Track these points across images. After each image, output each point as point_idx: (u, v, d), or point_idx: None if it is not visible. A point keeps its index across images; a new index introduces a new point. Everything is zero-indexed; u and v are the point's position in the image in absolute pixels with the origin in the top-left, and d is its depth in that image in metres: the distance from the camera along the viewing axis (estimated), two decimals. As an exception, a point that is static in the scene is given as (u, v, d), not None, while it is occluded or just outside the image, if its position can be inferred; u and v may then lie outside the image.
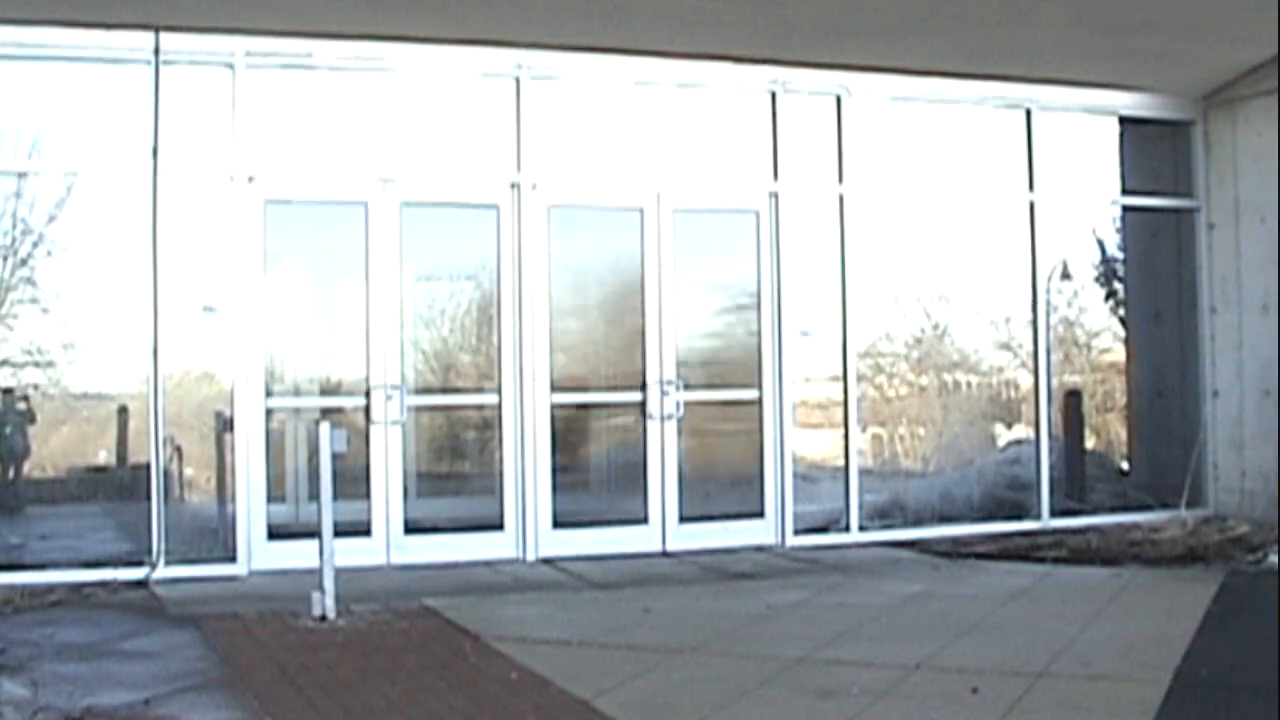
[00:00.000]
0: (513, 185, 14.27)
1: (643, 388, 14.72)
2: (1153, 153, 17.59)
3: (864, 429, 15.88)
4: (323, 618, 10.87)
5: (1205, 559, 13.93)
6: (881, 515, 15.61)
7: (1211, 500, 16.80)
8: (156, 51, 13.17)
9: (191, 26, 13.14)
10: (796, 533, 15.01)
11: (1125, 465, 18.14)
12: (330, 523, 11.13)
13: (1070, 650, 9.69)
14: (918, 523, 15.60)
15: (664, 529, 14.78)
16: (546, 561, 13.97)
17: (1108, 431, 18.35)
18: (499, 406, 14.29)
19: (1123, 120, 17.27)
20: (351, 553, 12.84)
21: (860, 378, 15.72)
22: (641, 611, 11.40)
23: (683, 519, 14.68)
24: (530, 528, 14.14)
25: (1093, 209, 17.42)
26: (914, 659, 9.40)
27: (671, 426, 14.67)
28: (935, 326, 16.61)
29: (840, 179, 15.46)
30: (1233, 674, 9.09)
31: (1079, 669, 9.12)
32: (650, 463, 14.71)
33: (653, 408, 14.67)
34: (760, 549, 14.64)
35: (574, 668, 9.32)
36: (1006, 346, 16.94)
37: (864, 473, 15.53)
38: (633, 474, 14.78)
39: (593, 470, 15.27)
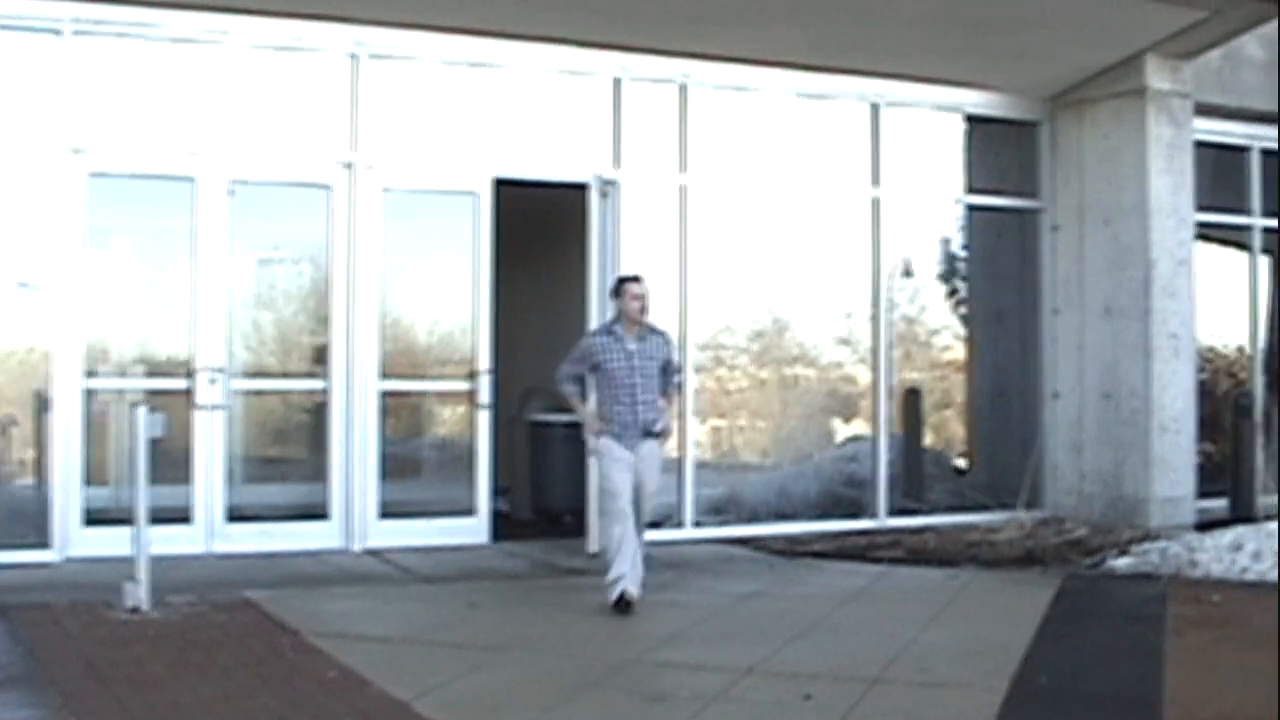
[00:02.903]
0: (347, 165, 13.87)
1: (471, 377, 14.39)
2: (999, 152, 17.52)
3: (702, 421, 15.67)
4: (136, 610, 10.41)
5: (1043, 562, 13.82)
6: (717, 511, 15.38)
7: (1050, 502, 16.73)
8: (-22, 16, 12.65)
9: (17, -9, 12.63)
10: (631, 527, 14.69)
11: (964, 465, 18.07)
12: (145, 511, 10.67)
13: (907, 654, 9.48)
14: (753, 519, 15.39)
15: (494, 521, 14.51)
16: (373, 553, 13.57)
17: (947, 431, 18.31)
18: (327, 392, 13.88)
19: (970, 119, 17.14)
20: (171, 540, 12.50)
21: (700, 369, 15.51)
22: (468, 607, 11.06)
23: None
24: (357, 517, 13.75)
25: (937, 207, 17.31)
26: (747, 662, 9.14)
27: (484, 416, 14.36)
28: (776, 320, 16.41)
29: (683, 168, 15.19)
30: (1071, 681, 8.90)
31: (915, 674, 8.92)
32: (479, 453, 14.38)
33: (484, 397, 14.37)
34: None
35: (396, 666, 8.98)
36: (847, 342, 16.81)
37: (701, 466, 15.28)
38: (463, 464, 14.42)
39: (423, 460, 14.96)
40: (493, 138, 14.59)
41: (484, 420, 14.37)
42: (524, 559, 13.66)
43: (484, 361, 14.38)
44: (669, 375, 11.71)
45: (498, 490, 15.06)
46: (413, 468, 14.81)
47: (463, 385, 14.46)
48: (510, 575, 12.81)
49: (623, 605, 10.86)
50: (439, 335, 14.93)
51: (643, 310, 11.46)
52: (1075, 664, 9.45)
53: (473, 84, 14.53)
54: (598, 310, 14.27)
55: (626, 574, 10.95)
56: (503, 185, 14.44)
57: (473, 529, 14.30)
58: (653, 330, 11.63)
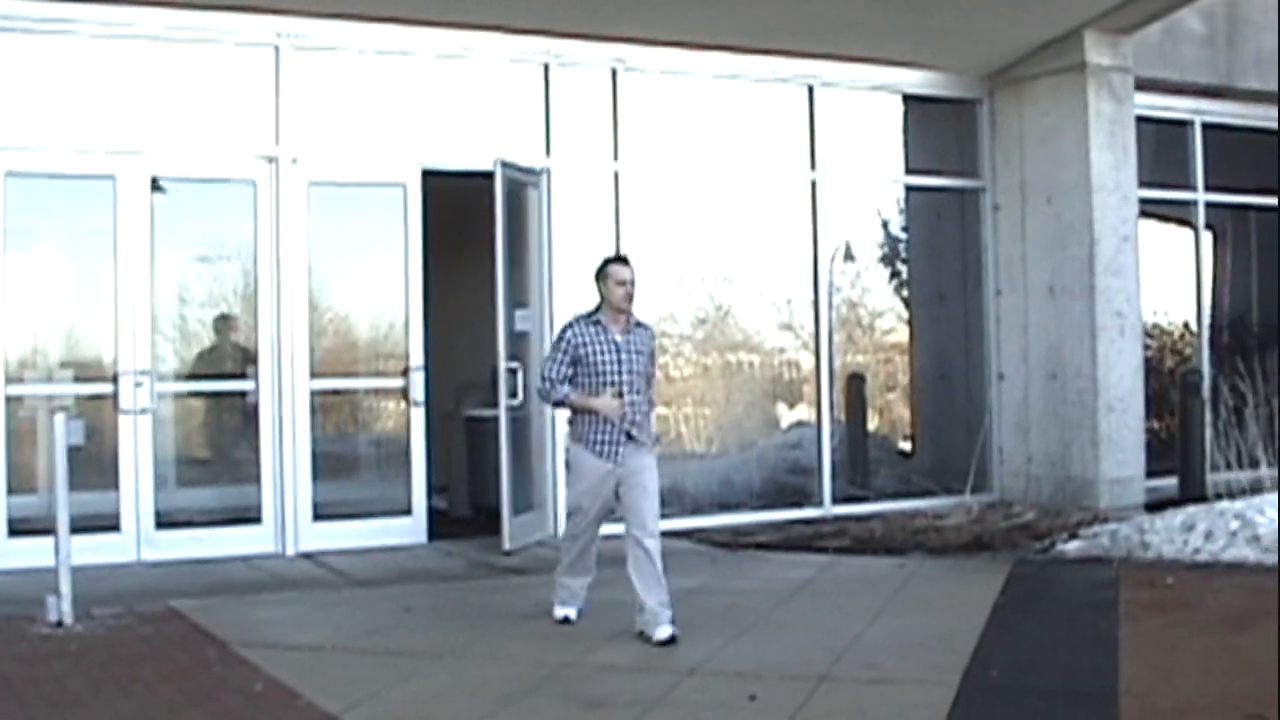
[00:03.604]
0: (270, 159, 13.52)
1: (403, 374, 14.08)
2: (938, 132, 17.35)
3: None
4: (59, 623, 10.04)
5: (991, 547, 13.61)
6: (660, 503, 15.08)
7: (997, 485, 16.57)
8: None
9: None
10: (568, 522, 14.45)
11: (909, 449, 17.88)
12: (66, 521, 10.27)
13: (854, 649, 9.23)
14: (696, 511, 15.15)
15: (431, 520, 14.21)
16: (307, 556, 13.26)
17: (891, 415, 18.14)
18: (257, 393, 13.54)
19: (908, 99, 16.94)
20: (99, 550, 12.23)
21: None
22: (403, 611, 10.72)
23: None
24: (290, 520, 13.41)
25: (876, 189, 17.15)
26: (689, 662, 8.90)
27: (505, 415, 13.84)
28: (718, 307, 16.23)
29: (616, 155, 14.91)
30: (1023, 674, 8.66)
31: (863, 671, 8.66)
32: (414, 451, 14.08)
33: (417, 394, 14.07)
34: (538, 543, 13.98)
35: (326, 677, 8.68)
36: (789, 327, 16.61)
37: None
38: (398, 463, 14.13)
39: (355, 460, 14.68)
40: (420, 128, 14.27)
41: (418, 418, 14.05)
42: (461, 559, 13.34)
43: (416, 357, 14.06)
44: (649, 380, 10.36)
45: (435, 488, 14.79)
46: (346, 468, 14.50)
47: (395, 382, 14.16)
48: (446, 576, 12.47)
49: (565, 624, 10.21)
50: (370, 332, 14.65)
51: (628, 298, 10.03)
52: (1027, 655, 9.21)
53: (399, 74, 14.20)
54: (543, 299, 14.23)
55: (573, 587, 10.33)
56: (431, 176, 14.12)
57: (409, 529, 13.99)
58: (638, 323, 10.24)
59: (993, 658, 8.96)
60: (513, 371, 13.70)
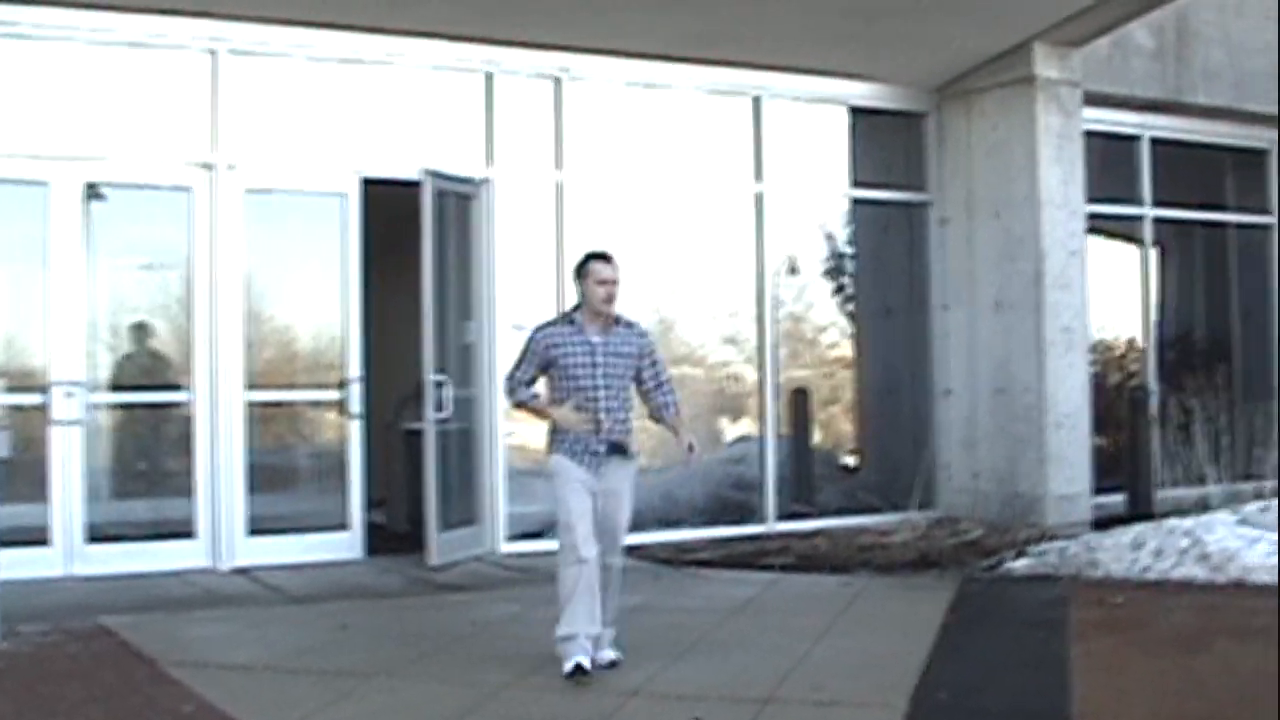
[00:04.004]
0: (207, 166, 13.25)
1: (341, 386, 13.83)
2: (885, 145, 17.15)
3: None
4: (-16, 641, 9.82)
5: (939, 564, 13.41)
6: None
7: (943, 501, 16.38)
8: None
9: None
10: (510, 539, 14.24)
11: (855, 465, 17.71)
12: (-9, 535, 10.06)
13: (799, 670, 9.02)
14: (638, 527, 14.76)
15: (368, 534, 13.95)
16: (241, 571, 12.97)
17: (837, 430, 17.97)
18: (191, 404, 13.26)
19: (854, 111, 16.75)
20: (29, 564, 12.01)
21: None
22: (338, 629, 10.47)
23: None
24: (224, 535, 13.12)
25: (822, 202, 16.94)
26: (631, 683, 8.69)
27: (432, 430, 13.64)
28: (662, 320, 15.92)
29: (559, 165, 14.69)
30: (972, 696, 8.47)
31: (809, 693, 8.44)
32: (351, 465, 13.85)
33: (354, 407, 13.82)
34: (475, 559, 13.77)
35: (256, 698, 8.44)
36: (734, 341, 16.40)
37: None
38: (335, 476, 13.88)
39: (292, 473, 14.37)
40: (360, 136, 14.02)
41: (355, 430, 13.80)
42: (398, 575, 13.07)
43: (354, 369, 13.81)
44: (661, 386, 9.53)
45: (374, 502, 14.57)
46: (282, 482, 14.18)
47: (333, 394, 13.86)
48: (383, 593, 12.22)
49: (578, 675, 8.81)
50: (308, 343, 14.39)
51: (609, 299, 9.20)
52: (976, 676, 9.03)
53: (339, 80, 13.95)
54: (484, 312, 14.02)
55: (580, 634, 9.00)
56: (372, 185, 13.87)
57: (346, 544, 13.74)
58: (621, 322, 9.38)
59: (941, 679, 8.78)
60: (440, 385, 13.48)
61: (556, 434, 9.30)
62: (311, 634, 10.38)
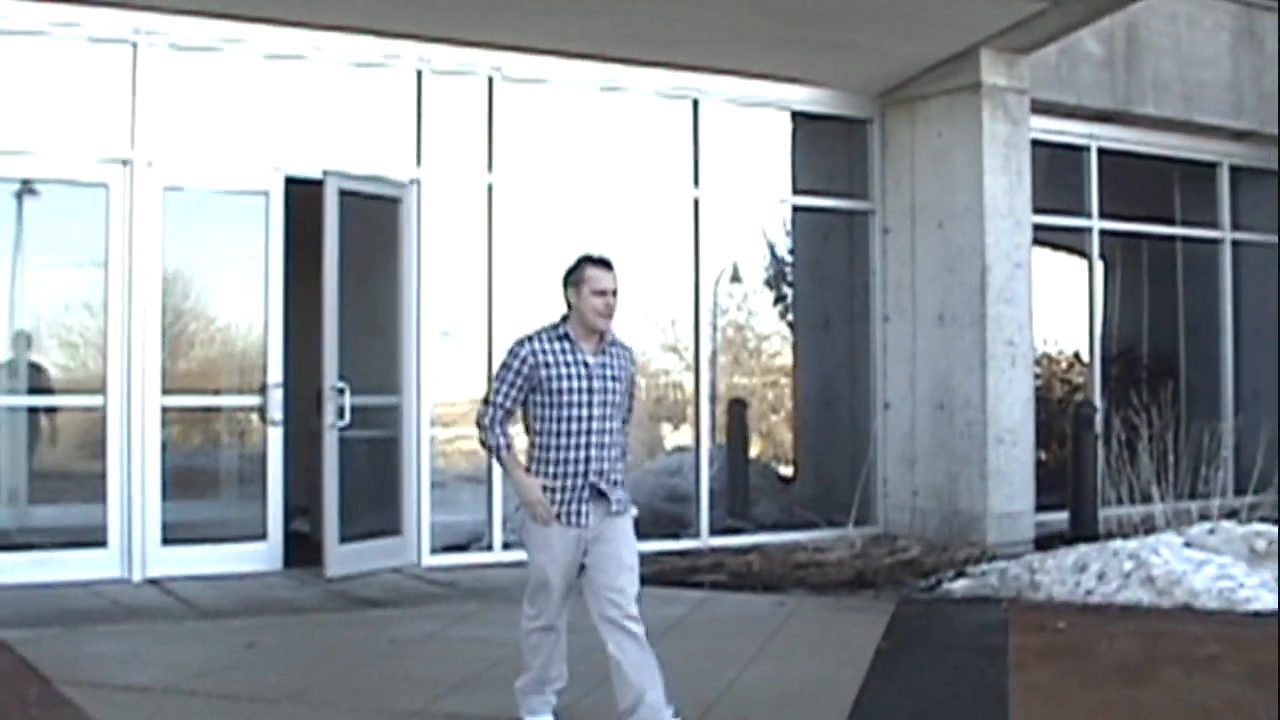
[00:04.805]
0: (124, 162, 12.75)
1: (261, 391, 13.32)
2: (827, 151, 16.84)
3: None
4: None
5: (875, 584, 13.04)
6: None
7: (881, 518, 16.02)
8: None
9: None
10: (434, 551, 13.79)
11: (791, 479, 17.36)
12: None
13: (726, 699, 8.65)
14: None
15: (288, 545, 13.44)
16: (154, 582, 12.46)
17: (774, 442, 17.63)
18: (104, 409, 12.73)
19: (796, 116, 16.44)
20: (-66, 574, 11.42)
21: None
22: (245, 647, 9.97)
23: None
24: (137, 544, 12.60)
25: (762, 209, 16.68)
26: (548, 712, 8.23)
27: (333, 437, 13.06)
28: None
29: (490, 167, 14.25)
30: (907, 730, 8.10)
31: (736, 724, 8.04)
32: (271, 473, 13.33)
33: (275, 413, 13.31)
34: (395, 570, 13.31)
35: (150, 723, 7.97)
36: (672, 349, 16.11)
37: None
38: (254, 485, 13.36)
39: (209, 481, 13.83)
40: (285, 134, 13.56)
41: (275, 437, 13.30)
42: (316, 588, 12.56)
43: (275, 374, 13.30)
44: (625, 424, 8.09)
45: (296, 510, 14.11)
46: (199, 490, 13.68)
47: (253, 400, 13.38)
48: (298, 608, 11.71)
49: None
50: (228, 346, 13.91)
51: (608, 312, 7.77)
52: (911, 707, 8.67)
53: (263, 76, 13.48)
54: (409, 318, 13.64)
55: (543, 706, 8.08)
56: (298, 185, 13.37)
57: (264, 555, 13.22)
58: (614, 342, 7.93)
59: (875, 710, 8.44)
60: (340, 391, 12.99)
61: (538, 472, 7.67)
62: (219, 652, 9.87)
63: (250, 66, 13.42)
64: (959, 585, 12.66)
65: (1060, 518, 15.39)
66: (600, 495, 7.63)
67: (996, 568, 12.87)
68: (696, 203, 15.37)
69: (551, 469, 7.60)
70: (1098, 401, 16.82)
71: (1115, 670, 9.60)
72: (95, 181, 12.77)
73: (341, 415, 12.96)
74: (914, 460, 15.78)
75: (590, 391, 7.62)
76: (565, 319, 7.79)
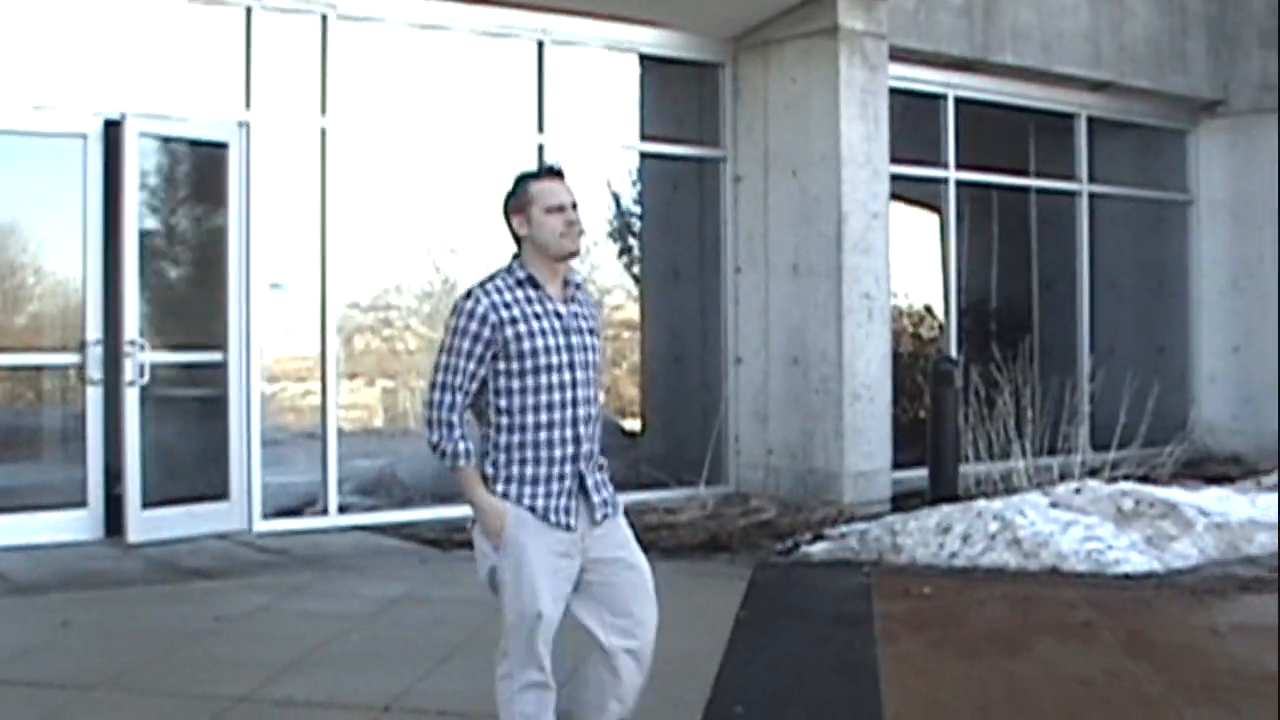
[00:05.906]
0: (-74, 104, 11.90)
1: (81, 348, 12.41)
2: (677, 97, 16.28)
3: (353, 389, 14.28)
4: None
5: (730, 548, 12.49)
6: (367, 492, 13.89)
7: (733, 477, 15.48)
8: None
9: None
10: (266, 516, 12.98)
11: (638, 435, 16.82)
12: None
13: (579, 677, 8.02)
14: (406, 503, 13.85)
15: (107, 513, 12.48)
16: (-38, 554, 11.63)
17: (620, 399, 17.12)
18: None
19: (645, 59, 15.86)
20: None
21: (359, 332, 14.45)
22: (60, 626, 9.15)
23: (145, 502, 12.31)
24: (-56, 514, 11.78)
25: (608, 156, 16.23)
26: (386, 694, 7.60)
27: (133, 394, 12.20)
28: (445, 280, 15.35)
29: (324, 111, 13.47)
30: (774, 710, 7.53)
31: (589, 707, 7.43)
32: (90, 436, 12.40)
33: (94, 372, 12.39)
34: (224, 536, 12.52)
35: (-54, 715, 7.21)
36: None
37: (351, 437, 13.88)
38: (73, 449, 12.47)
39: (23, 445, 12.99)
40: (104, 74, 12.61)
41: (95, 397, 12.41)
42: (140, 558, 11.68)
43: (95, 330, 12.39)
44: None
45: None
46: (12, 454, 12.86)
47: (71, 358, 12.44)
48: (120, 581, 10.81)
49: None
50: (44, 301, 13.06)
51: (574, 231, 5.85)
52: (777, 683, 8.10)
53: (80, 12, 12.57)
54: (237, 270, 12.78)
55: None
56: (116, 128, 12.52)
57: (84, 523, 12.29)
58: (581, 286, 6.01)
59: (738, 687, 7.89)
60: (138, 345, 12.14)
61: (500, 469, 5.76)
62: (28, 633, 9.06)
63: (68, 2, 12.53)
64: (818, 548, 12.14)
65: (917, 475, 14.89)
66: (583, 493, 5.81)
67: (856, 529, 12.40)
68: (541, 149, 14.65)
69: (531, 468, 5.71)
70: (954, 356, 16.40)
71: (987, 640, 9.27)
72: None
73: (142, 373, 12.13)
74: (767, 417, 15.25)
75: (569, 349, 5.72)
76: (517, 258, 5.88)
